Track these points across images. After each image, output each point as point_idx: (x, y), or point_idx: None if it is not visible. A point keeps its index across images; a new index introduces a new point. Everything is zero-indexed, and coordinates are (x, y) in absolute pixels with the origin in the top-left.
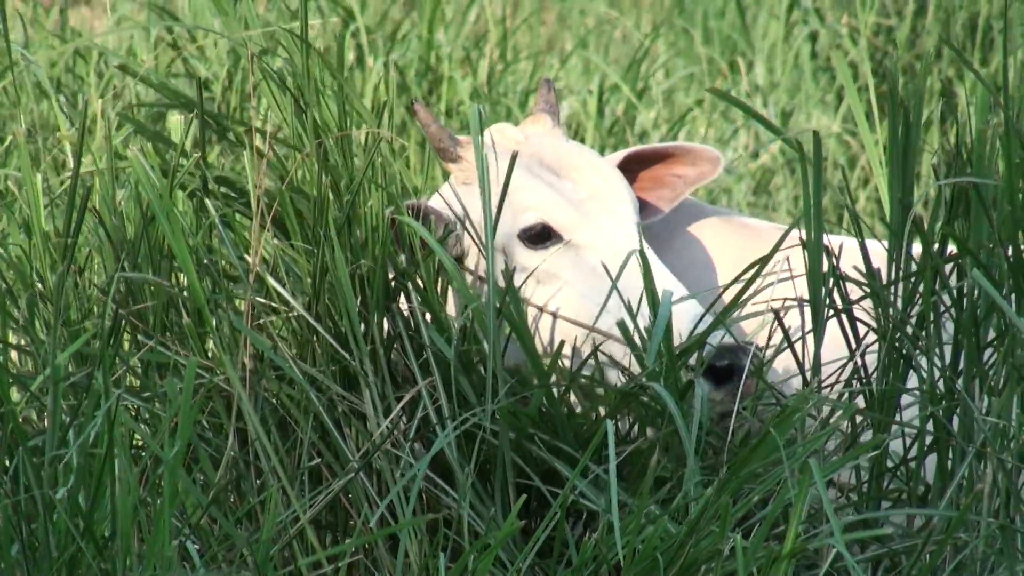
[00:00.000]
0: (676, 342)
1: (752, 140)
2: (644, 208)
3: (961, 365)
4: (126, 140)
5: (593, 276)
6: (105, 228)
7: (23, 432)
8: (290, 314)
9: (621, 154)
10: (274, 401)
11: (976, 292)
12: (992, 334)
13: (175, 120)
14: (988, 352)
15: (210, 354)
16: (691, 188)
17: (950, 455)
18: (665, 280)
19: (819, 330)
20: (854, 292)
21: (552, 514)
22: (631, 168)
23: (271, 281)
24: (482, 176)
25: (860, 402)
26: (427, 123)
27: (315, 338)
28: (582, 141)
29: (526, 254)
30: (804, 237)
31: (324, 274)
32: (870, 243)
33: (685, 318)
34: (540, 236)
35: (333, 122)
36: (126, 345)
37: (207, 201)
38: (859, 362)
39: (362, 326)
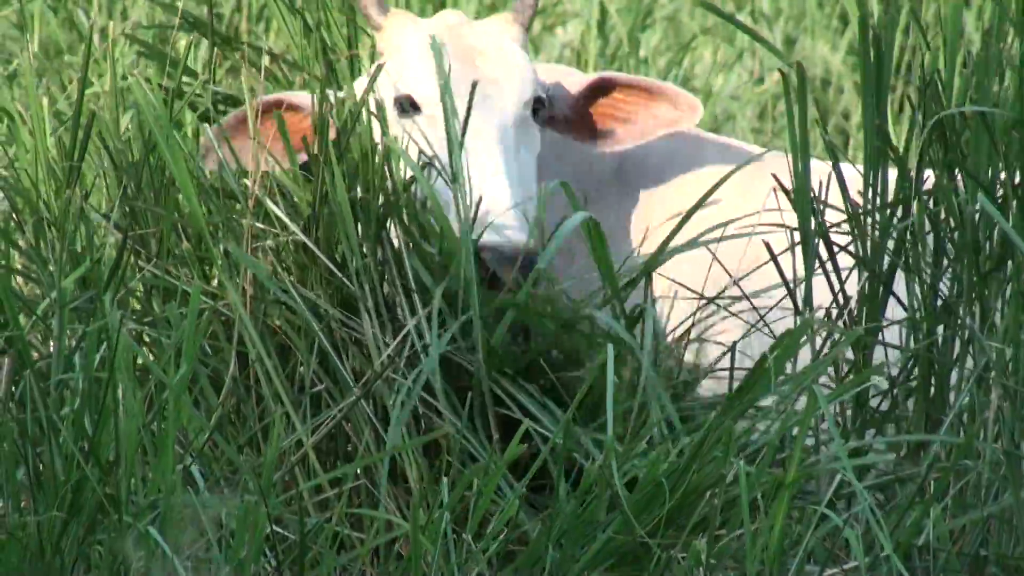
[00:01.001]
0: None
1: (757, 66)
2: (608, 136)
3: (946, 294)
4: (136, 61)
5: (443, 149)
6: (110, 153)
7: (29, 355)
8: (289, 237)
9: (594, 75)
10: (275, 325)
11: (976, 217)
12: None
13: (184, 42)
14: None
15: (212, 281)
16: (661, 131)
17: (952, 382)
18: (492, 173)
19: (809, 260)
20: (834, 219)
21: (551, 443)
22: (604, 92)
23: (269, 204)
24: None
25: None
26: None
27: (314, 264)
28: (584, 65)
29: (396, 122)
30: (791, 166)
31: (324, 200)
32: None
33: (495, 209)
34: (405, 106)
35: (342, 42)
36: (129, 270)
37: (205, 126)
38: (840, 291)
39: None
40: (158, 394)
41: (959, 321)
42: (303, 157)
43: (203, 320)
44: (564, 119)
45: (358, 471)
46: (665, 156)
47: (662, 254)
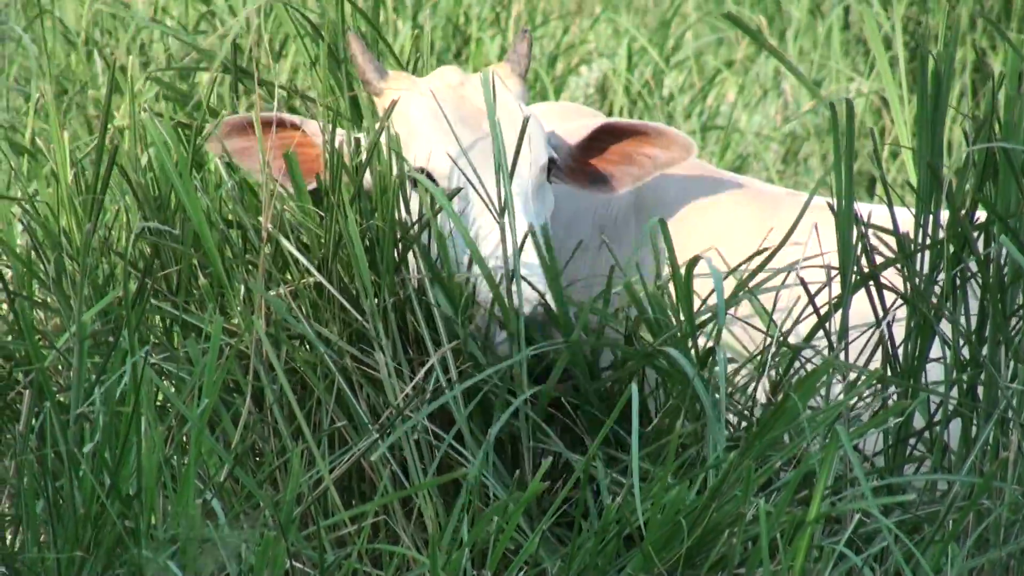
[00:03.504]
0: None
1: (781, 107)
2: (606, 182)
3: (987, 332)
4: (157, 95)
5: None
6: (132, 188)
7: (50, 388)
8: (303, 280)
9: (595, 123)
10: (293, 364)
11: (1003, 257)
12: (1020, 301)
13: (206, 77)
14: (1014, 320)
15: (231, 319)
16: (659, 171)
17: (974, 422)
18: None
19: (847, 296)
20: (882, 260)
21: (575, 477)
22: (602, 139)
23: (285, 243)
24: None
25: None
26: (355, 53)
27: (330, 305)
28: (611, 105)
29: (415, 198)
30: (834, 204)
31: (339, 240)
32: (899, 211)
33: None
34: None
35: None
36: (149, 305)
37: (219, 163)
38: (885, 330)
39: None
40: (178, 429)
41: (980, 362)
42: (311, 183)
43: (224, 356)
44: (561, 167)
45: (377, 508)
46: (682, 192)
47: (736, 297)
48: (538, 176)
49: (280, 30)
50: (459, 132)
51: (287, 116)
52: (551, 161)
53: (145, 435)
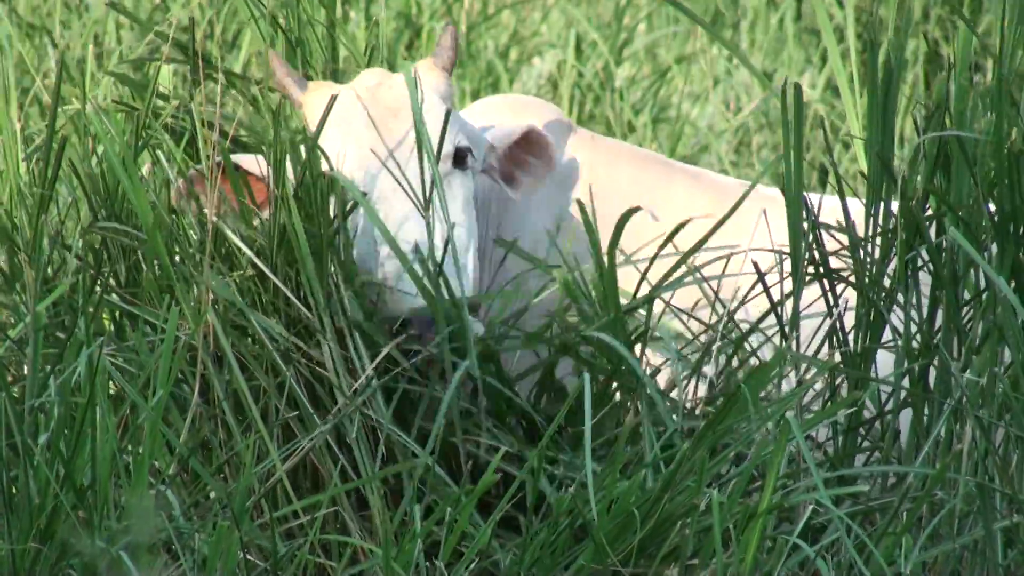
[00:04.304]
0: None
1: (733, 99)
2: (517, 183)
3: (939, 322)
4: (111, 85)
5: (365, 233)
6: (81, 179)
7: (4, 379)
8: (246, 272)
9: (523, 127)
10: (241, 357)
11: (955, 248)
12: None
13: (163, 68)
14: (965, 309)
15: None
16: (544, 179)
17: (926, 412)
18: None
19: (798, 284)
20: (832, 249)
21: (524, 468)
22: (528, 141)
23: (228, 233)
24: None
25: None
26: (274, 68)
27: (275, 299)
28: (561, 97)
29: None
30: (784, 191)
31: (283, 233)
32: (851, 202)
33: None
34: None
35: (321, 57)
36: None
37: (159, 154)
38: (837, 319)
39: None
40: (133, 420)
41: (934, 352)
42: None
43: (176, 348)
44: (494, 167)
45: (330, 498)
46: (636, 183)
47: (666, 283)
48: (441, 165)
49: (235, 19)
50: (365, 135)
51: (231, 158)
52: (465, 151)
53: (99, 426)
